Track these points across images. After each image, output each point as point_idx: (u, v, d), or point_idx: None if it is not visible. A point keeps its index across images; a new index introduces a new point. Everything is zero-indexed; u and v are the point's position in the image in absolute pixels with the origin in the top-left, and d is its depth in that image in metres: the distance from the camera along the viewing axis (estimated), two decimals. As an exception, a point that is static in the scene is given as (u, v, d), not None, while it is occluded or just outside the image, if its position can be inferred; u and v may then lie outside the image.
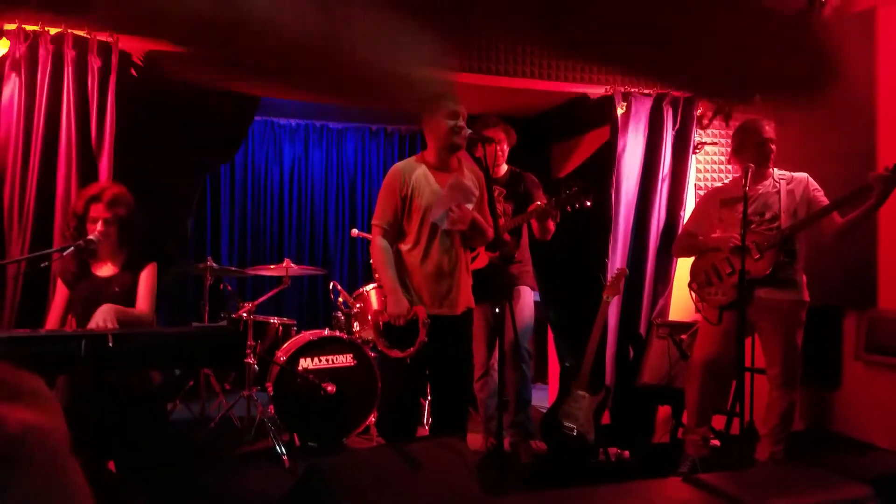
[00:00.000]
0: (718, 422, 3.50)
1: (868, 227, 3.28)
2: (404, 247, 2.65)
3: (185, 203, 3.71)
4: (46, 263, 2.57)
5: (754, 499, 1.73)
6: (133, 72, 3.19)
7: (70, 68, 3.01)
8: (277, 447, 3.40)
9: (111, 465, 2.47)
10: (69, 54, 3.01)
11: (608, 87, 3.80)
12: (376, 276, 4.01)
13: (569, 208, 3.06)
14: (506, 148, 3.40)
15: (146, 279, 2.70)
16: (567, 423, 3.30)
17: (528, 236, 3.49)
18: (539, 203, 3.19)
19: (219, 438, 3.63)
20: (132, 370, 2.43)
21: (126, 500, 2.36)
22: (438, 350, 2.60)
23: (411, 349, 2.54)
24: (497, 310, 2.83)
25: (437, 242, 2.60)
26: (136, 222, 2.74)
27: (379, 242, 2.63)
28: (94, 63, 3.04)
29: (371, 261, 3.86)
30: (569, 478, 3.21)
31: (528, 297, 3.45)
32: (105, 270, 2.68)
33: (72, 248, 2.50)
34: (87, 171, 3.04)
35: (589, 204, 3.42)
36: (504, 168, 3.43)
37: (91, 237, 2.55)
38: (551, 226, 3.20)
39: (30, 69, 2.99)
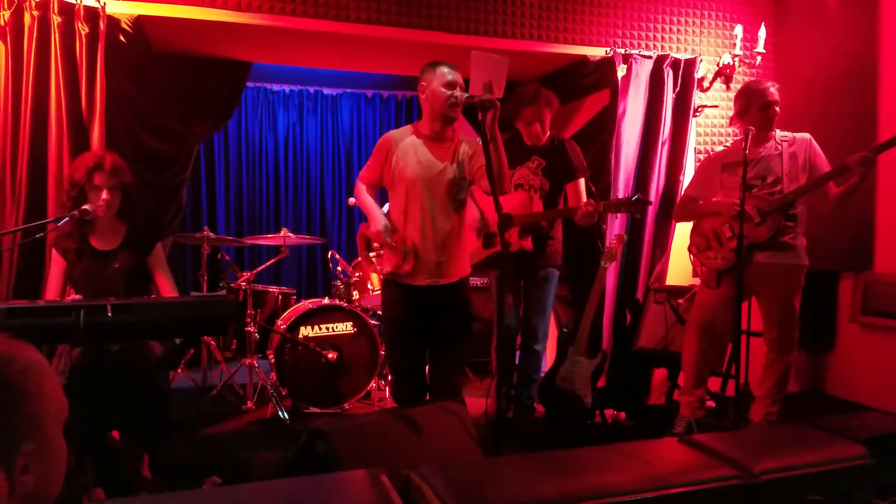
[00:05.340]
0: (714, 384, 3.54)
1: (866, 192, 3.27)
2: (396, 215, 2.59)
3: (179, 172, 3.67)
4: (42, 234, 2.53)
5: (748, 458, 1.74)
6: (122, 38, 3.12)
7: (57, 35, 2.95)
8: (280, 413, 3.44)
9: (115, 435, 2.50)
10: (55, 21, 2.95)
11: (608, 48, 3.73)
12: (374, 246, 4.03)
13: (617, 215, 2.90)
14: (549, 119, 3.27)
15: (160, 264, 2.63)
16: (564, 387, 3.34)
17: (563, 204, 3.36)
18: (583, 206, 2.98)
19: (221, 405, 3.68)
20: (132, 340, 2.43)
21: (129, 469, 2.39)
22: (433, 319, 2.58)
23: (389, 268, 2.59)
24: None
25: (425, 213, 2.51)
26: (137, 193, 2.68)
27: (360, 186, 2.71)
28: (82, 29, 2.97)
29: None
30: (566, 439, 3.26)
31: (552, 282, 3.37)
32: (104, 244, 2.59)
33: (67, 219, 2.45)
34: (79, 141, 2.99)
35: (638, 217, 3.21)
36: (546, 135, 3.31)
37: (87, 207, 2.48)
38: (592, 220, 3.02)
39: (16, 37, 2.93)
